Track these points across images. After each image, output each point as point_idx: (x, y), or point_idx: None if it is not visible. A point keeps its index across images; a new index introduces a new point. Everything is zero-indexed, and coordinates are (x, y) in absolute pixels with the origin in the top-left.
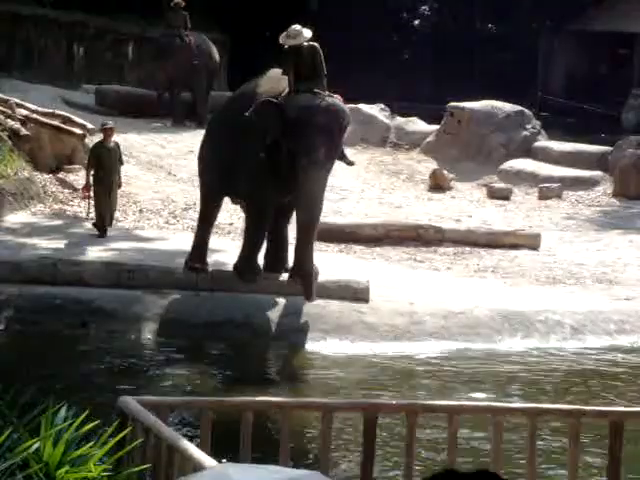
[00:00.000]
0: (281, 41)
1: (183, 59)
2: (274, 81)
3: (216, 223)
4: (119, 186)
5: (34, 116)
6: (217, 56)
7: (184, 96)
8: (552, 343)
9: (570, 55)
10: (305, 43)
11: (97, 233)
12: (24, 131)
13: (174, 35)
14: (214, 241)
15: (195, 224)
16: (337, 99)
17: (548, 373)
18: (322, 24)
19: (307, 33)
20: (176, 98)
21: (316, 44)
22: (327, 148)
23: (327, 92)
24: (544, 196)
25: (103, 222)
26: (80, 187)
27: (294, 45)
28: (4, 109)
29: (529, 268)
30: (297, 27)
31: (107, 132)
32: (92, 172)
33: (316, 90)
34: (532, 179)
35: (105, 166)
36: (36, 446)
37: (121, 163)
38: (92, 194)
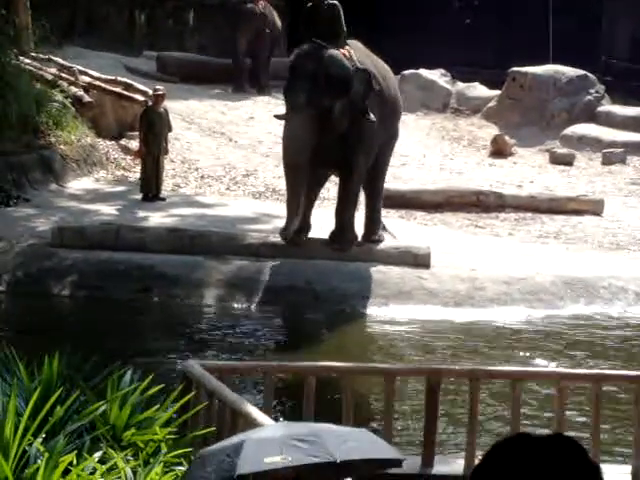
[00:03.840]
0: None
1: (255, 26)
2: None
3: (275, 189)
4: (166, 152)
5: (97, 83)
6: (279, 23)
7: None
8: (615, 309)
9: (635, 18)
10: (327, 1)
11: (147, 198)
12: (87, 98)
13: (246, 2)
14: (274, 207)
15: (255, 190)
16: (342, 52)
17: (612, 339)
18: None
19: None
20: (240, 64)
21: (336, 3)
22: (308, 93)
23: (338, 47)
24: (608, 161)
25: (149, 187)
26: (135, 151)
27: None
28: (67, 76)
29: (592, 234)
30: None
31: (158, 98)
32: (143, 137)
33: (319, 42)
34: (595, 144)
35: (155, 131)
36: (103, 409)
37: (169, 129)
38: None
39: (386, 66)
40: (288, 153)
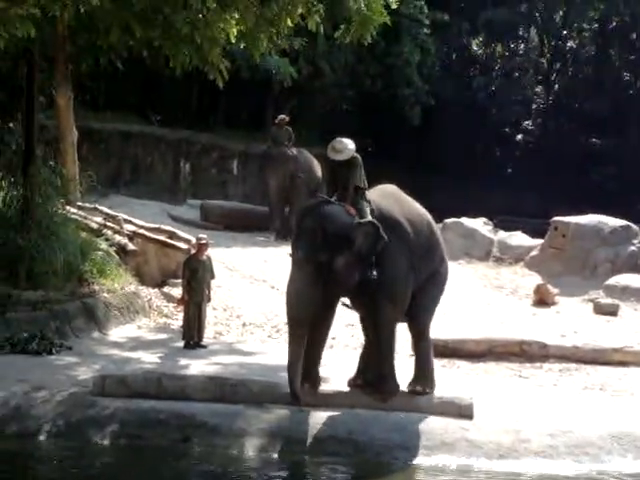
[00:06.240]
0: (328, 155)
1: (286, 173)
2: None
3: None
4: (208, 300)
5: (141, 231)
6: (319, 171)
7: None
8: None
9: None
10: (345, 155)
11: (189, 345)
12: (131, 246)
13: (278, 149)
14: None
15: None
16: (346, 210)
17: None
18: (424, 139)
19: (351, 145)
20: (278, 212)
21: (356, 155)
22: (306, 249)
23: (343, 203)
24: None
25: (191, 334)
26: (178, 299)
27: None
28: (113, 225)
29: (639, 386)
30: (342, 141)
31: (201, 246)
32: (186, 284)
33: (323, 196)
34: None
35: (197, 278)
36: None
37: (212, 277)
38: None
39: (423, 211)
40: (288, 307)
